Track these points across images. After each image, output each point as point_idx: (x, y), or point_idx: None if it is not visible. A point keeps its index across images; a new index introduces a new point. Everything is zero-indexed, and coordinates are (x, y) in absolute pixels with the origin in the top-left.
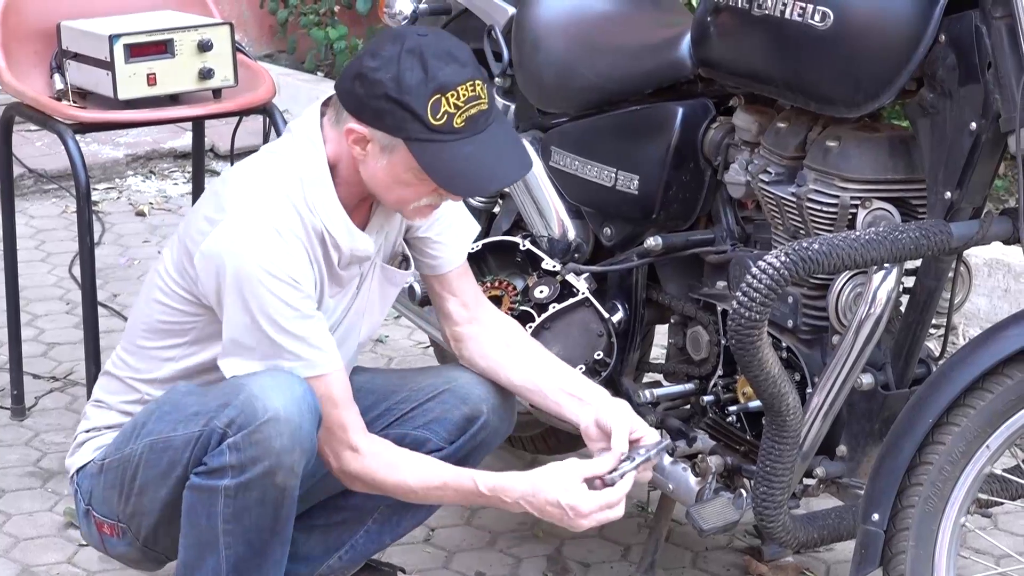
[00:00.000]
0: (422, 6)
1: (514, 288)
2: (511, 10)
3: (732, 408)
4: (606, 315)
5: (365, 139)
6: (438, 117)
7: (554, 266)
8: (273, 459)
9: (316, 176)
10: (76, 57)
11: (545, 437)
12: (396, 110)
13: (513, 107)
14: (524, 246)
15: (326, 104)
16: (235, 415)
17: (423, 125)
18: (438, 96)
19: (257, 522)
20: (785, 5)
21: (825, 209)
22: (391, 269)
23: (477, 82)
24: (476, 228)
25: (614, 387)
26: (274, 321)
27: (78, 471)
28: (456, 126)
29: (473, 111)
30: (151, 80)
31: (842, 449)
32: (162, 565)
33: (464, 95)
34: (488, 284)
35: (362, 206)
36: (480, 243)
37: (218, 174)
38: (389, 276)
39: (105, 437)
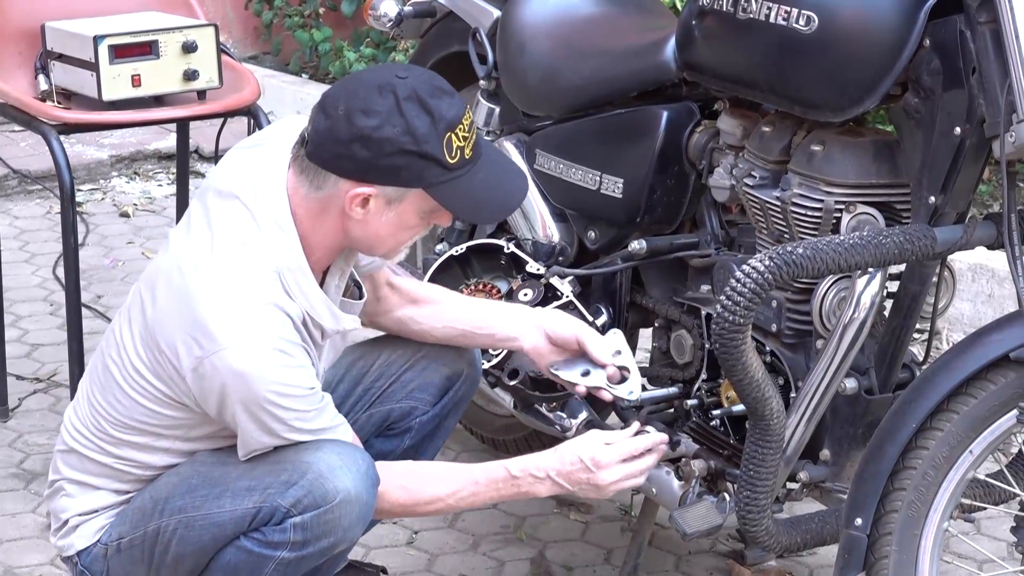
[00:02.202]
0: (407, 8)
1: (498, 291)
2: (496, 12)
3: (716, 412)
4: (590, 318)
5: (368, 198)
6: (453, 155)
7: (538, 269)
8: (339, 535)
9: (293, 264)
10: (61, 58)
11: (529, 440)
12: (415, 162)
13: (498, 110)
14: (508, 249)
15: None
16: (301, 495)
17: (441, 167)
18: (449, 134)
19: (302, 573)
20: (770, 9)
21: (809, 213)
22: (349, 302)
23: (467, 107)
24: None
25: None
26: (295, 428)
27: (79, 553)
28: (467, 157)
29: (475, 136)
30: (135, 81)
31: (825, 453)
32: None
33: (466, 124)
34: (472, 287)
35: (326, 261)
36: (464, 246)
37: (203, 175)
38: (348, 308)
39: (101, 518)
